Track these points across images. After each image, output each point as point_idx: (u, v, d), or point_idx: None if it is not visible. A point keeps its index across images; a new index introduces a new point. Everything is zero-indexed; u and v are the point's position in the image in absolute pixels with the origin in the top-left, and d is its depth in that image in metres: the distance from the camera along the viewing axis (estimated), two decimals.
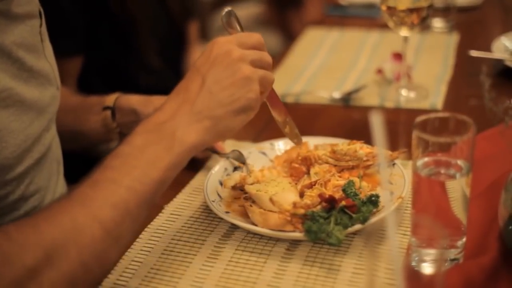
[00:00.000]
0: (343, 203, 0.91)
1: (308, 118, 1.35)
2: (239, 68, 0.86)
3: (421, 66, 1.55)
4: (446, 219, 0.82)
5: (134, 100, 1.16)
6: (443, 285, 0.68)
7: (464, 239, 0.84)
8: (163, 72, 1.65)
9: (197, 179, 1.12)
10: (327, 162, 1.03)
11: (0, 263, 0.70)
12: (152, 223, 1.00)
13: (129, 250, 0.94)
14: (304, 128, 1.17)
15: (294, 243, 0.93)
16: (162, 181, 0.82)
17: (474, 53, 1.47)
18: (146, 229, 0.99)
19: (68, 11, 1.43)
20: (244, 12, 2.95)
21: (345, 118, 1.35)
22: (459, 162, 0.79)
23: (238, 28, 0.94)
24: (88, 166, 0.83)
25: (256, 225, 0.93)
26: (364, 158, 1.02)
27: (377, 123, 0.65)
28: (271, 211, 0.93)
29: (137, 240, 0.96)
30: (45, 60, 0.98)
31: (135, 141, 0.83)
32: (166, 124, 0.83)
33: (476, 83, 1.44)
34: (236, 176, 1.04)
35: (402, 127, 1.28)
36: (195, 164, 1.15)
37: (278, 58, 1.66)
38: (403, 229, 0.94)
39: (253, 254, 0.92)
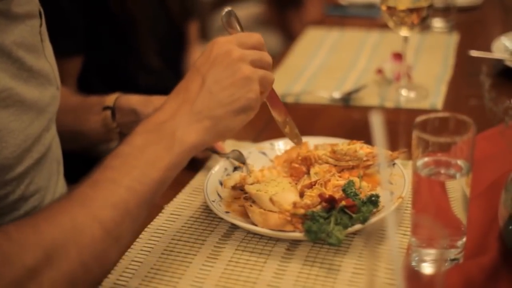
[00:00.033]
0: (343, 203, 0.91)
1: (308, 118, 1.35)
2: (239, 68, 0.86)
3: (421, 66, 1.55)
4: (446, 219, 0.82)
5: (134, 100, 1.16)
6: (443, 285, 0.68)
7: (464, 239, 0.84)
8: (163, 72, 1.65)
9: (197, 179, 1.12)
10: (327, 162, 1.03)
11: (0, 263, 0.70)
12: (152, 223, 1.00)
13: (129, 250, 0.94)
14: (304, 128, 1.17)
15: (294, 243, 0.93)
16: (162, 181, 0.82)
17: (474, 53, 1.47)
18: (146, 229, 0.99)
19: (68, 11, 1.43)
20: (244, 12, 2.95)
21: (345, 118, 1.35)
22: (459, 162, 0.79)
23: (238, 28, 0.94)
24: (88, 166, 0.83)
25: (256, 225, 0.93)
26: (364, 158, 1.02)
27: (377, 123, 0.65)
28: (271, 211, 0.93)
29: (137, 240, 0.96)
30: (45, 60, 0.98)
31: (135, 141, 0.83)
32: (166, 124, 0.83)
33: (476, 83, 1.44)
34: (236, 176, 1.04)
35: (402, 127, 1.28)
36: (195, 164, 1.15)
37: (278, 58, 1.66)
38: (403, 229, 0.94)
39: (253, 254, 0.92)
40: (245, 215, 0.96)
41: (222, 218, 0.97)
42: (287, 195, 0.94)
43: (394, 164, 1.03)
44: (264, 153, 1.13)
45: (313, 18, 2.19)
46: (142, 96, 1.17)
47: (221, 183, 1.05)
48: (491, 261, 0.82)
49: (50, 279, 0.72)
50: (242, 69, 0.86)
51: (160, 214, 1.02)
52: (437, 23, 1.75)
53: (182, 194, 1.08)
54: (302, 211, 0.90)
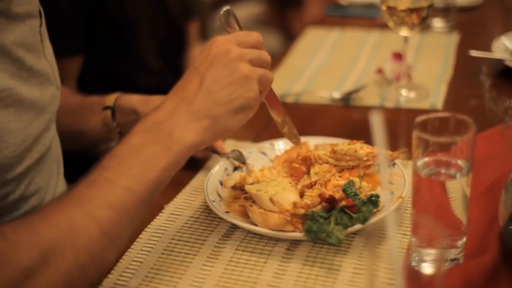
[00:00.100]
0: (343, 203, 0.91)
1: (308, 118, 1.35)
2: (238, 67, 0.86)
3: (421, 66, 1.54)
4: (446, 219, 0.82)
5: (134, 100, 1.16)
6: (443, 285, 0.68)
7: (464, 239, 0.84)
8: (162, 73, 1.65)
9: (197, 179, 1.12)
10: (327, 162, 1.03)
11: None
12: (152, 223, 1.00)
13: (129, 250, 0.94)
14: (304, 128, 1.17)
15: (294, 243, 0.93)
16: (160, 181, 0.81)
17: (474, 53, 1.47)
18: (146, 229, 0.98)
19: (67, 11, 1.43)
20: (244, 12, 2.95)
21: (345, 118, 1.35)
22: (459, 162, 0.79)
23: (237, 27, 0.94)
24: (88, 166, 0.83)
25: (256, 225, 0.93)
26: (364, 158, 1.02)
27: (377, 123, 0.65)
28: (271, 211, 0.93)
29: (137, 240, 0.96)
30: (45, 59, 0.98)
31: (132, 141, 0.82)
32: (164, 123, 0.83)
33: (476, 83, 1.44)
34: (236, 176, 1.03)
35: (402, 127, 1.28)
36: (195, 164, 1.15)
37: (278, 58, 1.66)
38: (403, 229, 0.94)
39: (253, 254, 0.92)
40: (245, 215, 0.96)
41: (222, 218, 0.97)
42: (287, 195, 0.94)
43: (394, 164, 1.03)
44: (264, 153, 1.13)
45: (313, 18, 2.19)
46: (142, 96, 1.17)
47: (221, 183, 1.05)
48: (491, 261, 0.82)
49: (46, 279, 0.71)
50: (241, 68, 0.86)
51: (160, 214, 1.02)
52: (437, 23, 1.75)
53: (182, 194, 1.08)
54: (302, 211, 0.90)
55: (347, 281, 0.85)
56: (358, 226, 0.90)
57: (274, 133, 1.14)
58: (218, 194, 1.02)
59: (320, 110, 1.39)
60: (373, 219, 0.90)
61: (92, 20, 1.49)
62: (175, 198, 1.06)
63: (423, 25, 1.34)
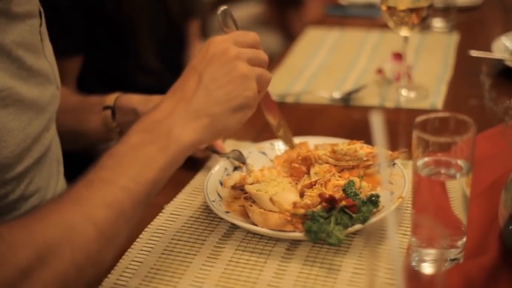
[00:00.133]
0: (343, 203, 0.91)
1: (308, 118, 1.35)
2: (236, 66, 0.86)
3: (421, 66, 1.54)
4: (446, 219, 0.82)
5: (134, 100, 1.16)
6: (443, 285, 0.68)
7: (464, 239, 0.84)
8: (162, 73, 1.65)
9: (197, 179, 1.12)
10: (327, 162, 1.03)
11: None
12: (152, 223, 1.00)
13: (129, 250, 0.94)
14: (304, 128, 1.17)
15: (294, 243, 0.93)
16: (157, 181, 0.81)
17: (474, 53, 1.47)
18: (146, 229, 0.98)
19: (67, 11, 1.43)
20: (244, 12, 2.95)
21: (345, 118, 1.35)
22: (459, 162, 0.79)
23: (234, 26, 0.94)
24: (88, 166, 0.83)
25: (256, 225, 0.93)
26: (364, 158, 1.02)
27: (377, 123, 0.65)
28: (271, 211, 0.93)
29: (137, 240, 0.96)
30: (45, 59, 0.98)
31: (130, 140, 0.82)
32: (162, 122, 0.83)
33: (476, 83, 1.44)
34: (236, 176, 1.03)
35: (402, 127, 1.28)
36: (195, 164, 1.15)
37: (278, 58, 1.66)
38: (403, 229, 0.94)
39: (253, 254, 0.92)
40: (245, 215, 0.96)
41: (222, 218, 0.97)
42: (287, 195, 0.94)
43: (394, 164, 1.03)
44: (264, 153, 1.13)
45: (313, 18, 2.19)
46: (142, 96, 1.17)
47: (221, 183, 1.05)
48: (491, 261, 0.82)
49: (42, 279, 0.71)
50: (239, 67, 0.86)
51: (160, 214, 1.02)
52: (437, 23, 1.75)
53: (182, 194, 1.08)
54: (302, 211, 0.90)
55: (347, 281, 0.85)
56: (358, 226, 0.90)
57: (274, 133, 1.14)
58: (218, 194, 1.02)
59: (320, 110, 1.39)
60: (373, 219, 0.90)
61: (92, 20, 1.49)
62: (175, 198, 1.06)
63: (423, 25, 1.34)
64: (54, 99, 1.00)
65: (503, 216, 0.84)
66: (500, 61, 1.46)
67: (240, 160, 1.10)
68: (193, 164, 1.14)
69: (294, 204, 0.92)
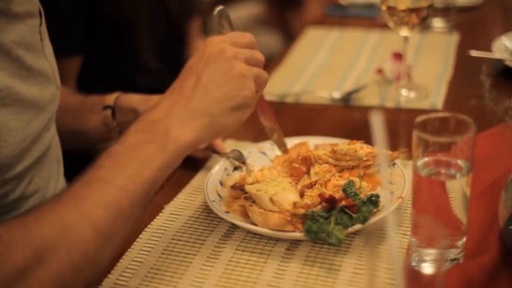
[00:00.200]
0: (343, 203, 0.91)
1: (308, 118, 1.35)
2: (234, 66, 0.86)
3: (421, 66, 1.54)
4: (446, 219, 0.82)
5: (134, 99, 1.16)
6: (443, 285, 0.68)
7: (464, 239, 0.84)
8: (162, 73, 1.65)
9: (197, 179, 1.12)
10: (327, 162, 1.03)
11: None
12: (152, 223, 1.00)
13: (129, 250, 0.94)
14: (304, 128, 1.17)
15: (294, 243, 0.93)
16: (155, 180, 0.81)
17: (474, 53, 1.47)
18: (146, 229, 0.98)
19: (67, 11, 1.43)
20: (244, 12, 2.95)
21: (345, 118, 1.35)
22: (459, 162, 0.79)
23: (230, 27, 0.95)
24: (88, 166, 0.83)
25: (256, 225, 0.93)
26: (364, 158, 1.02)
27: (377, 123, 0.65)
28: (271, 211, 0.93)
29: (137, 240, 0.96)
30: (45, 59, 0.98)
31: (128, 140, 0.82)
32: (160, 122, 0.83)
33: (476, 83, 1.44)
34: (236, 176, 1.03)
35: (402, 127, 1.28)
36: (195, 164, 1.15)
37: (278, 58, 1.66)
38: (403, 229, 0.94)
39: (253, 254, 0.92)
40: (245, 215, 0.96)
41: (222, 218, 0.97)
42: (287, 195, 0.94)
43: (394, 164, 1.03)
44: (264, 153, 1.13)
45: (313, 18, 2.19)
46: (142, 95, 1.17)
47: (221, 183, 1.05)
48: (491, 261, 0.82)
49: (39, 279, 0.71)
50: (237, 66, 0.86)
51: (160, 214, 1.02)
52: (437, 23, 1.75)
53: (182, 194, 1.08)
54: (302, 211, 0.90)
55: (347, 281, 0.85)
56: (358, 226, 0.90)
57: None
58: (218, 194, 1.02)
59: (320, 110, 1.38)
60: (373, 219, 0.90)
61: (92, 20, 1.49)
62: (175, 198, 1.06)
63: (423, 25, 1.34)
64: (54, 98, 1.00)
65: (503, 216, 0.84)
66: (500, 61, 1.46)
67: (240, 160, 1.10)
68: (193, 164, 1.14)
69: (294, 204, 0.92)
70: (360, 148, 1.02)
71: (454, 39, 1.69)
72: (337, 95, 1.41)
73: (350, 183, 0.95)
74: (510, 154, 1.09)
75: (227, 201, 1.01)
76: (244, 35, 0.90)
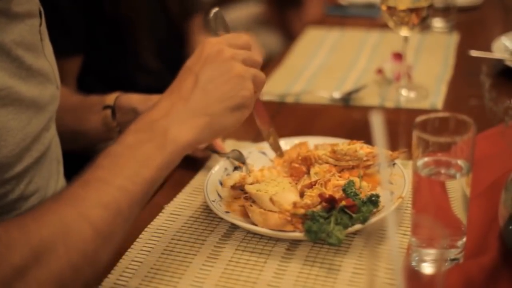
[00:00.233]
0: (343, 203, 0.91)
1: (308, 118, 1.35)
2: (232, 66, 0.86)
3: (421, 66, 1.54)
4: (446, 219, 0.82)
5: (134, 99, 1.16)
6: (443, 285, 0.68)
7: (464, 239, 0.84)
8: (162, 73, 1.65)
9: (197, 179, 1.12)
10: (327, 162, 1.03)
11: None
12: (152, 223, 1.00)
13: (129, 250, 0.94)
14: (304, 128, 1.17)
15: (294, 243, 0.93)
16: (154, 180, 0.81)
17: (474, 53, 1.47)
18: (146, 229, 0.98)
19: (67, 11, 1.43)
20: (244, 12, 2.95)
21: (345, 118, 1.35)
22: (459, 162, 0.79)
23: (225, 29, 0.96)
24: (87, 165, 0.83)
25: (256, 225, 0.93)
26: (364, 158, 1.02)
27: (377, 123, 0.65)
28: (271, 211, 0.93)
29: (137, 240, 0.96)
30: (45, 59, 0.98)
31: (127, 140, 0.82)
32: (159, 122, 0.83)
33: (476, 83, 1.44)
34: (236, 176, 1.03)
35: (402, 127, 1.28)
36: (195, 164, 1.15)
37: (278, 58, 1.66)
38: (403, 229, 0.94)
39: (253, 254, 0.92)
40: (245, 215, 0.96)
41: (222, 218, 0.97)
42: (287, 195, 0.94)
43: (394, 164, 1.03)
44: (264, 153, 1.13)
45: (313, 18, 2.19)
46: (142, 95, 1.17)
47: (221, 183, 1.05)
48: (491, 261, 0.82)
49: (38, 279, 0.71)
50: (235, 67, 0.86)
51: (160, 214, 1.02)
52: (437, 23, 1.75)
53: (182, 194, 1.08)
54: (302, 211, 0.90)
55: (347, 281, 0.85)
56: (358, 226, 0.90)
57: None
58: (218, 194, 1.02)
59: (320, 110, 1.38)
60: (373, 219, 0.90)
61: (92, 20, 1.49)
62: (175, 198, 1.06)
63: (423, 25, 1.34)
64: (53, 98, 1.00)
65: (503, 216, 0.84)
66: (500, 61, 1.46)
67: (240, 160, 1.10)
68: (193, 164, 1.14)
69: (294, 204, 0.92)
70: (360, 148, 1.02)
71: (454, 39, 1.69)
72: (337, 95, 1.41)
73: (350, 183, 0.95)
74: (510, 154, 1.09)
75: (227, 201, 1.01)
76: (241, 37, 0.91)
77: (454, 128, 0.79)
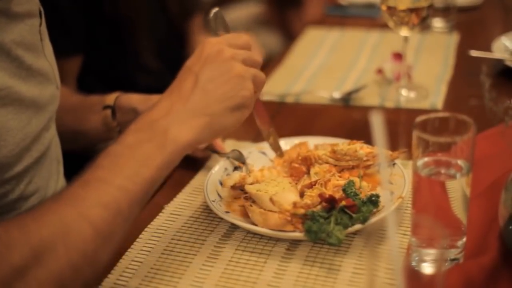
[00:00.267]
0: (343, 203, 0.91)
1: (308, 118, 1.35)
2: (232, 66, 0.86)
3: (421, 66, 1.54)
4: (446, 219, 0.82)
5: (134, 99, 1.16)
6: (443, 285, 0.68)
7: (464, 239, 0.84)
8: (162, 73, 1.65)
9: (197, 179, 1.12)
10: (327, 162, 1.03)
11: None
12: (152, 223, 1.00)
13: (129, 250, 0.94)
14: (304, 128, 1.17)
15: (294, 243, 0.93)
16: (154, 179, 0.81)
17: (474, 53, 1.47)
18: (146, 229, 0.98)
19: (67, 11, 1.43)
20: (244, 12, 2.95)
21: (345, 118, 1.35)
22: (459, 162, 0.79)
23: (225, 29, 0.96)
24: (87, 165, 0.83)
25: (256, 225, 0.93)
26: (364, 158, 1.02)
27: (377, 123, 0.65)
28: (271, 211, 0.93)
29: (137, 240, 0.96)
30: (45, 59, 0.98)
31: (127, 140, 0.82)
32: (158, 121, 0.83)
33: (476, 83, 1.44)
34: (236, 176, 1.03)
35: (402, 127, 1.28)
36: (195, 164, 1.15)
37: (278, 58, 1.66)
38: (403, 229, 0.94)
39: (253, 254, 0.92)
40: (245, 215, 0.96)
41: (222, 218, 0.97)
42: (287, 195, 0.94)
43: (394, 164, 1.03)
44: (264, 153, 1.13)
45: (313, 18, 2.19)
46: (142, 95, 1.17)
47: (221, 183, 1.05)
48: (491, 261, 0.82)
49: (38, 279, 0.71)
50: (235, 67, 0.86)
51: (160, 214, 1.02)
52: (437, 23, 1.75)
53: (182, 194, 1.08)
54: (302, 211, 0.90)
55: (347, 281, 0.85)
56: (358, 226, 0.90)
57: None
58: (218, 194, 1.02)
59: (320, 110, 1.38)
60: (373, 219, 0.90)
61: (91, 20, 1.49)
62: (175, 198, 1.06)
63: (423, 25, 1.34)
64: (53, 98, 1.00)
65: (503, 216, 0.84)
66: (500, 61, 1.46)
67: (240, 160, 1.10)
68: (193, 164, 1.14)
69: (294, 204, 0.92)
70: (360, 148, 1.02)
71: (454, 39, 1.69)
72: (337, 95, 1.41)
73: (350, 183, 0.95)
74: (510, 154, 1.09)
75: (227, 201, 1.01)
76: (241, 37, 0.91)
77: (454, 128, 0.79)
